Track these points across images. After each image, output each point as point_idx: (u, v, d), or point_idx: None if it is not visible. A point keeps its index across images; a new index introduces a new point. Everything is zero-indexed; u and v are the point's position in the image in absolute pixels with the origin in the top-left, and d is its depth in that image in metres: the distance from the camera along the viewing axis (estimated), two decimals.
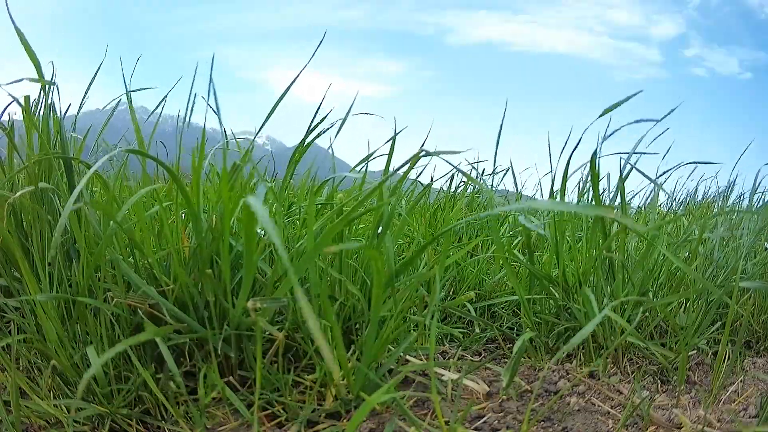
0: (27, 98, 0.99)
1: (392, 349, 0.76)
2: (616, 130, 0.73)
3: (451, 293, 1.00)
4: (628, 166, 0.85)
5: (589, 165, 0.77)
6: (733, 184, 1.42)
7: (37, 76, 0.97)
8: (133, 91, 0.97)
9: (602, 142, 0.79)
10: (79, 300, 0.73)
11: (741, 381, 0.82)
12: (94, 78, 1.04)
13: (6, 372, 0.74)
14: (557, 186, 0.96)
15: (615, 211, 0.85)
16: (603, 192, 1.40)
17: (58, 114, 0.96)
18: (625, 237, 0.81)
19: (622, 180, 0.82)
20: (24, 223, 0.98)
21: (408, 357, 0.79)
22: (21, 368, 0.80)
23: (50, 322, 0.73)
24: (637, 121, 0.68)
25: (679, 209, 1.58)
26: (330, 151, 1.28)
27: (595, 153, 0.75)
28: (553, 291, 0.87)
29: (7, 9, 0.77)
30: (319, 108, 0.91)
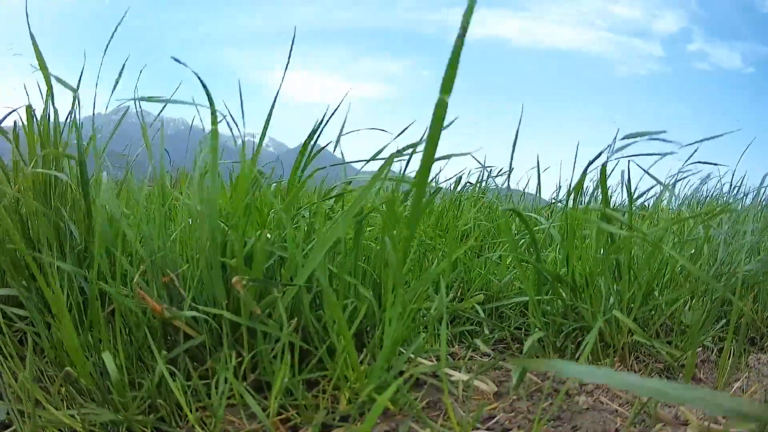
0: (29, 108, 0.99)
1: (403, 351, 0.77)
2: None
3: (458, 294, 1.01)
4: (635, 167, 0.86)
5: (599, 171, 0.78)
6: (739, 185, 1.43)
7: (43, 81, 0.97)
8: (142, 99, 0.97)
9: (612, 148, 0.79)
10: (95, 285, 0.73)
11: (746, 377, 0.84)
12: (112, 91, 1.03)
13: (19, 381, 0.75)
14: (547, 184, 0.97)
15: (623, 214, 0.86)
16: (610, 187, 1.41)
17: (76, 119, 0.96)
18: (631, 238, 0.82)
19: (630, 189, 0.83)
20: (30, 230, 0.99)
21: (419, 359, 0.80)
22: (33, 378, 0.80)
23: (67, 329, 0.74)
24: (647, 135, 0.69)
25: (683, 206, 1.59)
26: (334, 154, 1.28)
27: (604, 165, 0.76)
28: (561, 291, 0.88)
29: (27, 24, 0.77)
30: (329, 117, 0.92)
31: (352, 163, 1.24)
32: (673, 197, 1.57)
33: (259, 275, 0.77)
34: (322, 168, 1.21)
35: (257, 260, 0.76)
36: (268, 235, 0.84)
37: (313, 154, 1.08)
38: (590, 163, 0.75)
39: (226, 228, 0.80)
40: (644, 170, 0.82)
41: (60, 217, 0.97)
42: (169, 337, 0.82)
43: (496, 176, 1.37)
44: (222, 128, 0.95)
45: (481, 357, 0.89)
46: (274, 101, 0.88)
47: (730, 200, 1.43)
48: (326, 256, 0.82)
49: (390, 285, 0.75)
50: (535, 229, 1.10)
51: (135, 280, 0.80)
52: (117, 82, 0.87)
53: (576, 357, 0.85)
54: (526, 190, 1.51)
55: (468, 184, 1.44)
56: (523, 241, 1.07)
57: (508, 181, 1.36)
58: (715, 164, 1.06)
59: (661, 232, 0.85)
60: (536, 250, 0.83)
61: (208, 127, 0.95)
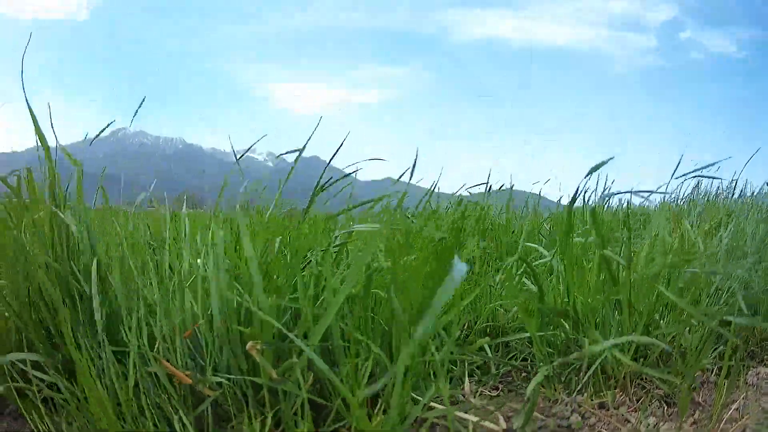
0: (29, 171, 1.01)
1: (419, 399, 0.82)
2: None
3: (465, 328, 1.05)
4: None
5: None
6: (742, 190, 1.42)
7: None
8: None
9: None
10: (134, 374, 0.77)
11: (744, 397, 0.88)
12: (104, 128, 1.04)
13: None
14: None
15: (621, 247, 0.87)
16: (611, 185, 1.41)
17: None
18: (630, 273, 0.84)
19: (629, 223, 0.84)
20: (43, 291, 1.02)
21: (432, 403, 0.85)
22: None
23: (100, 401, 0.79)
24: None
25: (681, 204, 1.59)
26: (334, 166, 1.29)
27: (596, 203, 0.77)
28: (564, 323, 0.91)
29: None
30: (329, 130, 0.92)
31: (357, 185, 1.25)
32: (673, 197, 1.57)
33: (270, 338, 0.80)
34: (332, 197, 1.23)
35: (268, 325, 0.79)
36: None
37: (318, 190, 1.09)
38: (574, 196, 0.77)
39: (237, 294, 0.83)
40: (636, 192, 0.82)
41: (71, 273, 1.00)
42: (194, 394, 0.86)
43: (498, 191, 1.37)
44: (220, 143, 0.95)
45: (489, 391, 0.93)
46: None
47: (728, 198, 1.43)
48: (337, 313, 0.85)
49: (397, 337, 0.79)
50: (536, 263, 1.12)
51: (156, 346, 0.85)
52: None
53: (578, 389, 0.89)
54: (528, 193, 1.51)
55: (469, 193, 1.44)
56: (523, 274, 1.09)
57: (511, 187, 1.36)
58: (716, 178, 1.05)
59: (657, 269, 0.87)
60: (540, 291, 0.86)
61: (207, 145, 0.96)
